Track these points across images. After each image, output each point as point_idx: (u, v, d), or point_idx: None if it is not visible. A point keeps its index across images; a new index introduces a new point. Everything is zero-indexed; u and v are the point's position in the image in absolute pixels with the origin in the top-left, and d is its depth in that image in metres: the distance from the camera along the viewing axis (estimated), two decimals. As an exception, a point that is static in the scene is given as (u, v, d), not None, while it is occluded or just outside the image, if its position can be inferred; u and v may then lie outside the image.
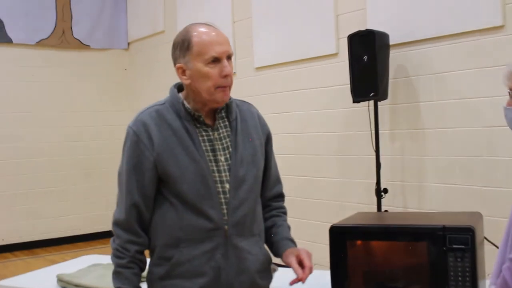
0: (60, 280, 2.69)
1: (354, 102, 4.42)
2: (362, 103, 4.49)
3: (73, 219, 7.72)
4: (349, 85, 4.41)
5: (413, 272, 2.09)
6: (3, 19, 7.26)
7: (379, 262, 2.19)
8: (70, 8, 7.77)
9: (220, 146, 2.02)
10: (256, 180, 2.08)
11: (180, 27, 6.66)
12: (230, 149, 2.03)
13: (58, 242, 7.54)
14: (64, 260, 3.39)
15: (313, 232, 5.01)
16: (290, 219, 2.29)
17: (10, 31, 7.31)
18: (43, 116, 7.56)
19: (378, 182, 4.36)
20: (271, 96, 5.65)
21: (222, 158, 2.01)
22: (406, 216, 3.13)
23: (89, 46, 7.98)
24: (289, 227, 2.24)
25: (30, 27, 7.45)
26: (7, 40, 7.30)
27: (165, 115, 2.00)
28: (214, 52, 1.94)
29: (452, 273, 1.94)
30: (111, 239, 2.04)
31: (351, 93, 4.38)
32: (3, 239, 7.22)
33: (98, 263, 2.95)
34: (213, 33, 1.98)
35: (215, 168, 1.99)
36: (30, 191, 7.42)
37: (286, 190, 2.30)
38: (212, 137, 2.02)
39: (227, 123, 2.06)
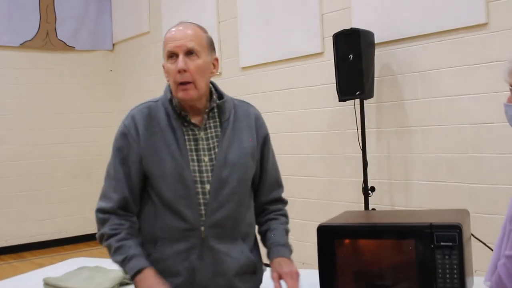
0: (46, 283, 2.67)
1: (340, 100, 4.42)
2: (348, 102, 4.49)
3: (60, 222, 7.66)
4: (334, 84, 4.41)
5: (402, 270, 2.09)
6: (-15, 22, 7.18)
7: (368, 261, 2.19)
8: (54, 10, 7.70)
9: (206, 146, 1.99)
10: (240, 183, 2.03)
11: (165, 28, 6.67)
12: (216, 150, 2.00)
13: (45, 245, 7.46)
14: (52, 263, 3.35)
15: (301, 231, 5.00)
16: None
17: (-7, 33, 7.23)
18: (29, 118, 7.49)
19: (365, 181, 4.37)
20: (257, 95, 5.64)
21: (206, 159, 1.98)
22: (393, 214, 3.14)
23: (73, 47, 7.91)
24: (286, 230, 2.17)
25: (13, 29, 7.36)
26: (-10, 42, 7.23)
27: (156, 112, 2.00)
28: (169, 47, 1.94)
29: (440, 270, 1.94)
30: (98, 233, 1.99)
31: (337, 92, 4.38)
32: (-11, 243, 7.14)
33: (85, 266, 2.93)
34: (177, 29, 1.98)
35: (196, 168, 1.96)
36: (16, 194, 7.33)
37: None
38: (197, 136, 1.99)
39: (217, 123, 2.04)
